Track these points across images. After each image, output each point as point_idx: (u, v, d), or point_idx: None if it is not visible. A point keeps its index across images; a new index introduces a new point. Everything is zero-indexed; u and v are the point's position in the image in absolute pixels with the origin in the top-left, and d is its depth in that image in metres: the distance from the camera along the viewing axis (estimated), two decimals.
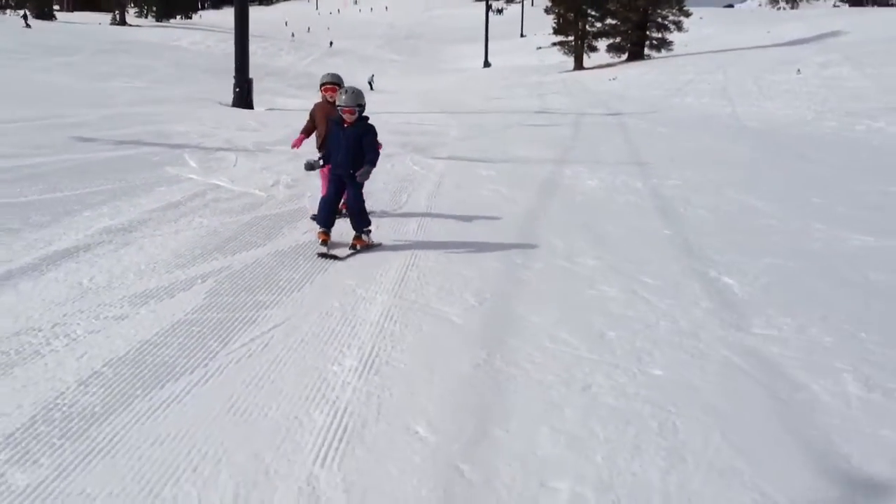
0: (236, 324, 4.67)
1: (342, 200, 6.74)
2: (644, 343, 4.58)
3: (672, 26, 50.30)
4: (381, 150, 6.57)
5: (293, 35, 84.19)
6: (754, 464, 3.28)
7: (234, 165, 10.38)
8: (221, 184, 9.00)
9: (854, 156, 13.68)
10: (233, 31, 23.11)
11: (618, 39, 51.78)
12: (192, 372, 3.98)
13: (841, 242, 7.23)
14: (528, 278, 5.85)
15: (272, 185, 9.03)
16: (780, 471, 3.23)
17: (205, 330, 4.55)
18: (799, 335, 4.75)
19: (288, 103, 26.75)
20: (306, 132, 7.70)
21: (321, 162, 6.52)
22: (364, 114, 6.41)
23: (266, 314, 4.86)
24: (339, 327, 4.70)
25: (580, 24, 52.77)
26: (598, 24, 52.52)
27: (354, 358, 4.24)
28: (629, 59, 50.34)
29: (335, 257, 6.18)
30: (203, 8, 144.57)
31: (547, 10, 59.30)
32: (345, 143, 6.29)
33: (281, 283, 5.51)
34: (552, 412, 3.68)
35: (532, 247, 6.80)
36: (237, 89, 23.12)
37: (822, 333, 4.78)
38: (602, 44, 52.80)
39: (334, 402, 3.72)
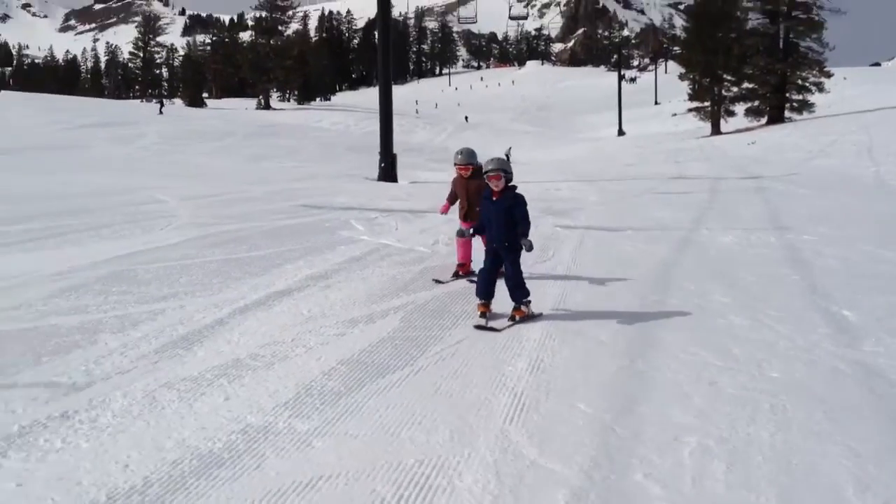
0: (428, 340, 6.08)
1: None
2: (764, 355, 5.66)
3: (813, 88, 50.09)
4: None
5: (417, 111, 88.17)
6: (845, 430, 4.33)
7: (396, 229, 11.98)
8: (390, 243, 10.57)
9: None
10: (369, 111, 25.43)
11: (756, 103, 51.92)
12: (402, 369, 5.38)
13: None
14: (664, 311, 7.00)
15: (433, 244, 10.51)
16: (865, 436, 4.26)
17: (405, 343, 5.98)
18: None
19: (428, 177, 28.75)
20: (451, 200, 8.76)
21: (471, 231, 7.05)
22: (511, 183, 6.66)
23: (449, 333, 6.25)
24: (509, 343, 6.02)
25: (716, 89, 53.31)
26: (735, 89, 52.86)
27: (524, 362, 5.53)
28: (768, 123, 50.37)
29: (493, 329, 6.34)
30: (341, 89, 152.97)
31: (681, 77, 60.14)
32: (495, 216, 6.51)
33: (456, 312, 6.91)
34: (684, 398, 4.83)
35: (667, 289, 7.93)
36: (382, 164, 25.22)
37: None
38: (739, 108, 53.03)
39: (513, 389, 5.00)
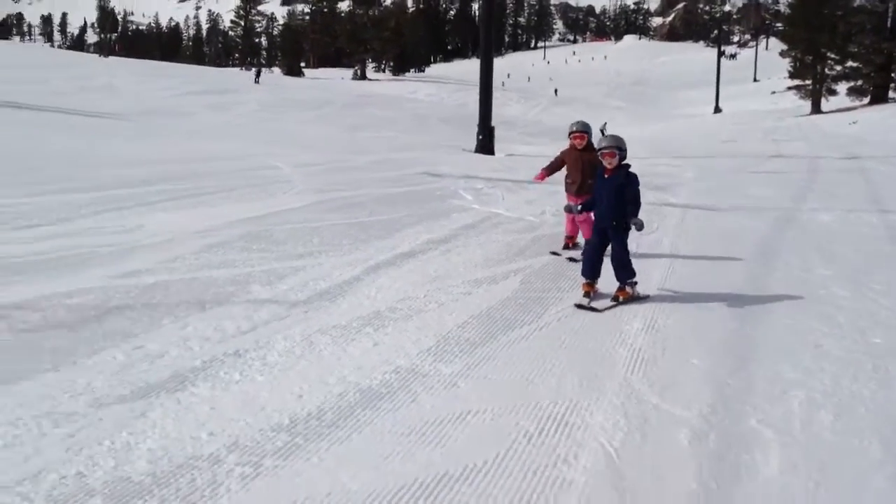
0: (548, 300, 6.60)
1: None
2: (868, 324, 5.98)
3: None
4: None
5: (503, 84, 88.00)
6: None
7: (503, 199, 12.47)
8: (500, 212, 11.08)
9: None
10: (463, 83, 25.82)
11: (859, 82, 50.29)
12: (529, 324, 5.91)
13: None
14: (768, 283, 7.33)
15: (541, 214, 10.96)
16: None
17: (528, 302, 6.50)
18: None
19: (524, 150, 29.07)
20: (549, 169, 8.69)
21: (580, 208, 7.07)
22: (625, 161, 6.48)
23: (567, 295, 6.74)
24: (624, 306, 6.46)
25: (819, 67, 51.84)
26: (839, 67, 51.29)
27: (640, 323, 5.99)
28: (871, 103, 48.74)
29: (594, 309, 6.30)
30: (435, 61, 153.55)
31: (782, 54, 58.61)
32: (606, 194, 6.41)
33: (573, 277, 7.36)
34: (791, 357, 5.23)
35: (771, 263, 8.23)
36: (480, 136, 25.67)
37: None
38: (842, 87, 51.45)
39: (631, 345, 5.48)
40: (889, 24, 49.40)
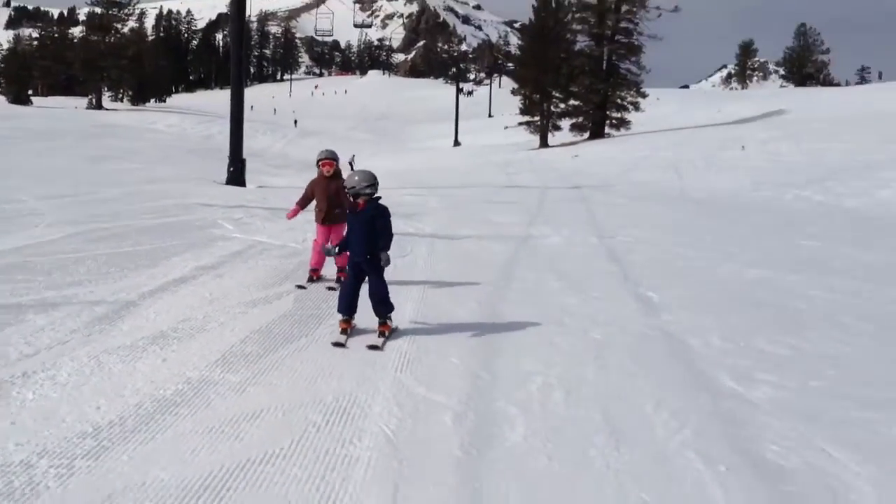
0: (321, 315, 7.23)
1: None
2: (589, 324, 7.17)
3: (630, 107, 54.16)
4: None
5: (250, 111, 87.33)
6: (648, 372, 5.83)
7: (264, 228, 12.90)
8: (263, 240, 11.52)
9: (777, 219, 16.56)
10: (207, 114, 25.70)
11: (580, 119, 55.48)
12: (306, 336, 6.51)
13: (741, 275, 9.92)
14: (509, 296, 8.43)
15: (303, 241, 11.52)
16: (662, 375, 5.77)
17: (303, 319, 7.10)
18: (692, 320, 7.36)
19: (274, 181, 29.43)
20: (302, 203, 8.79)
21: (337, 249, 6.78)
22: (376, 195, 6.51)
23: (334, 312, 7.37)
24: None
25: (545, 104, 56.52)
26: (563, 105, 56.25)
27: (404, 333, 6.76)
28: (591, 138, 53.96)
29: (374, 347, 6.26)
30: (177, 91, 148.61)
31: (513, 92, 63.17)
32: (358, 229, 6.39)
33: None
34: (532, 352, 6.22)
35: (510, 279, 9.39)
36: (231, 168, 25.62)
37: (710, 322, 7.40)
38: (565, 123, 56.46)
39: (398, 349, 6.23)
40: (604, 67, 55.10)
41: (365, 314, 6.69)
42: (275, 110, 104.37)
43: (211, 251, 10.28)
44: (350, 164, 48.10)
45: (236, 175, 25.33)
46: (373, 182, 6.45)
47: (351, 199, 6.52)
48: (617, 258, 11.05)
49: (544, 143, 55.89)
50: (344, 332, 6.50)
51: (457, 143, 70.32)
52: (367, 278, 6.55)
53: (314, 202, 8.86)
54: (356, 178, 6.41)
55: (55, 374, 5.41)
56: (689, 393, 5.44)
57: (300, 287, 8.39)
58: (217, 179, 25.78)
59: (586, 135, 55.02)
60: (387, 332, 6.50)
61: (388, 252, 6.40)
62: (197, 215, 14.13)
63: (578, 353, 6.28)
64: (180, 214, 14.14)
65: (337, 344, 6.26)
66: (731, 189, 23.97)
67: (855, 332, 7.18)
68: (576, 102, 55.52)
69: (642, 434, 4.72)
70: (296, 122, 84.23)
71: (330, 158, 8.76)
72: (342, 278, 8.43)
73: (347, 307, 6.54)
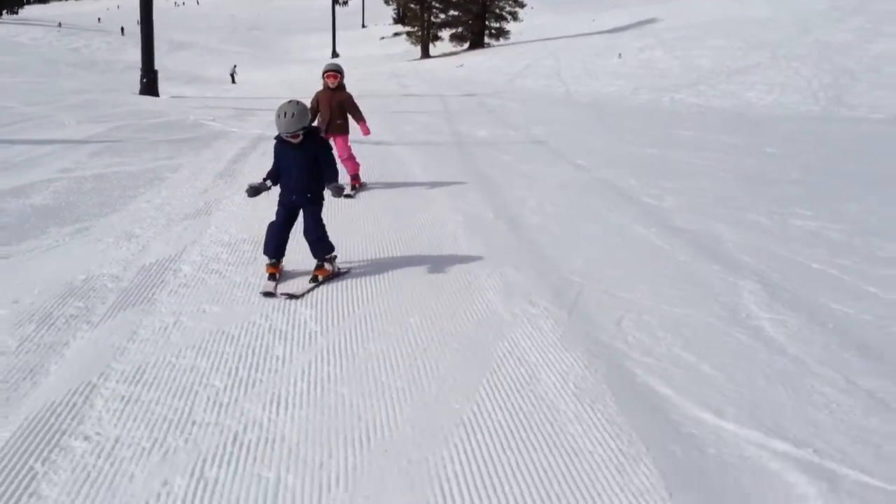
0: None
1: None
2: (548, 178, 10.44)
3: (509, 17, 57.40)
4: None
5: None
6: (595, 197, 9.17)
7: (245, 124, 15.56)
8: (260, 131, 14.23)
9: (658, 117, 20.26)
10: (68, 27, 26.60)
11: (460, 29, 58.32)
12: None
13: (641, 152, 13.44)
14: (481, 168, 11.60)
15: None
16: (594, 192, 9.13)
17: None
18: (615, 174, 10.77)
19: (181, 91, 31.23)
20: (312, 113, 8.67)
21: (268, 183, 6.02)
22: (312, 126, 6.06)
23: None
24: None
25: (425, 15, 58.97)
26: (442, 16, 58.85)
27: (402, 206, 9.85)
28: (471, 48, 57.07)
29: (291, 296, 5.72)
30: (30, 2, 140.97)
31: (387, 1, 65.12)
32: (297, 164, 5.85)
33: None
34: (522, 189, 9.45)
35: (469, 158, 12.55)
36: (144, 80, 27.34)
37: (627, 174, 10.82)
38: (446, 33, 59.16)
39: (446, 195, 9.33)
40: None
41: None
42: (99, 19, 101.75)
43: (227, 141, 13.01)
44: (232, 75, 49.48)
45: (150, 85, 27.12)
46: (305, 124, 5.74)
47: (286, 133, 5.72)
48: (542, 142, 14.39)
49: (426, 54, 58.57)
50: (273, 276, 5.99)
51: (335, 54, 71.79)
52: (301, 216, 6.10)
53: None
54: (284, 119, 5.63)
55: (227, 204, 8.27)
56: (625, 204, 8.86)
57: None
58: (132, 90, 27.44)
59: (466, 45, 57.99)
60: (321, 276, 6.03)
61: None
62: (174, 117, 16.58)
63: (549, 189, 9.64)
64: (163, 116, 16.55)
65: (267, 293, 5.71)
66: (612, 93, 27.62)
67: (722, 179, 10.79)
68: (455, 13, 58.21)
69: (605, 219, 8.10)
70: (122, 28, 79.66)
71: (335, 71, 9.29)
72: (356, 185, 9.58)
73: (276, 248, 6.05)
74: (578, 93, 28.46)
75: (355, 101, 9.53)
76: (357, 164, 9.61)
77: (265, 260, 6.12)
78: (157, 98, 26.26)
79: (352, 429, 3.78)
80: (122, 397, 4.07)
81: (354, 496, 3.27)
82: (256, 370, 4.44)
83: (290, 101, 5.71)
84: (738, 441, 3.72)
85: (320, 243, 6.05)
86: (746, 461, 3.56)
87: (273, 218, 6.11)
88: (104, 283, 5.85)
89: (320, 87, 9.37)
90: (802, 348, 4.82)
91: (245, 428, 3.80)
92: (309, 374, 4.39)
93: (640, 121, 19.24)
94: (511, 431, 3.77)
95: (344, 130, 9.43)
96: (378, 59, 62.02)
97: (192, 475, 3.41)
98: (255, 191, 5.96)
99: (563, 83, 31.80)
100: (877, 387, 4.29)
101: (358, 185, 9.60)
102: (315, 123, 8.88)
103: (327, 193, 5.97)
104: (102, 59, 49.66)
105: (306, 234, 6.07)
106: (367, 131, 9.63)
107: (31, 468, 3.42)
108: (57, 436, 3.69)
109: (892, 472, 3.45)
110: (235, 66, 52.91)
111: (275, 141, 5.98)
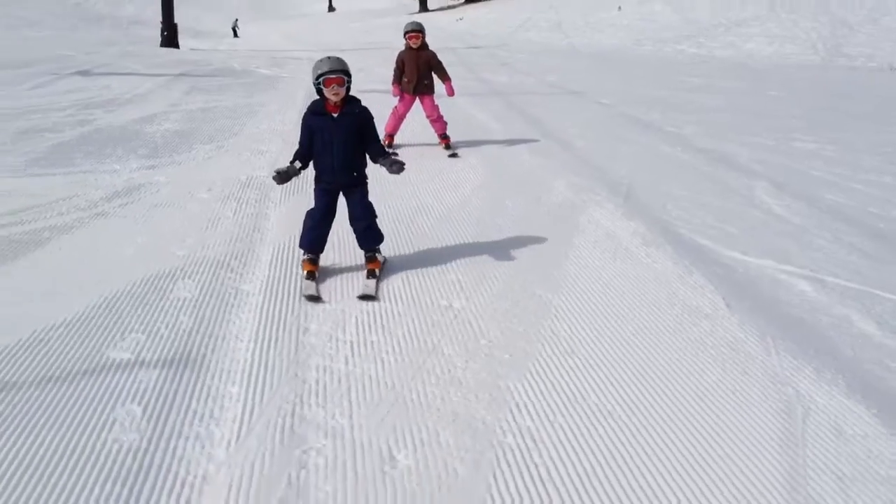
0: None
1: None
2: (572, 106, 12.24)
3: None
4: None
5: None
6: (613, 118, 11.01)
7: (286, 70, 17.28)
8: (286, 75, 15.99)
9: (663, 67, 21.99)
10: None
11: None
12: None
13: (652, 93, 15.21)
14: (491, 104, 13.38)
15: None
16: (610, 118, 10.97)
17: None
18: (631, 109, 12.58)
19: (197, 44, 32.78)
20: (397, 79, 9.33)
21: (297, 165, 5.17)
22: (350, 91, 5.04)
23: None
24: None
25: None
26: None
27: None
28: (469, 1, 58.31)
29: (367, 297, 5.03)
30: None
31: None
32: (339, 138, 5.03)
33: None
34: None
35: (512, 95, 14.32)
36: (165, 33, 28.95)
37: (644, 109, 12.63)
38: None
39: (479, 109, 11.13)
40: None
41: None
42: None
43: (287, 84, 14.76)
44: (234, 28, 50.81)
45: (171, 38, 28.72)
46: (347, 70, 4.97)
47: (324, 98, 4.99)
48: (561, 86, 16.18)
49: (424, 7, 59.88)
50: (311, 275, 5.25)
51: (331, 8, 72.91)
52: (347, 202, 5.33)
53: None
54: (326, 65, 4.92)
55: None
56: (651, 132, 10.71)
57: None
58: (151, 43, 28.99)
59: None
60: (378, 269, 5.34)
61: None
62: (219, 65, 18.29)
63: (584, 121, 11.52)
64: (210, 65, 18.27)
65: (311, 298, 4.95)
66: (614, 45, 29.32)
67: (732, 114, 12.65)
68: None
69: (637, 142, 9.88)
70: None
71: (416, 31, 9.18)
72: (447, 144, 9.45)
73: (316, 242, 5.34)
74: (581, 44, 30.12)
75: (440, 58, 9.44)
76: (446, 123, 9.51)
77: (300, 255, 5.50)
78: (180, 50, 27.81)
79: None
80: None
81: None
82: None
83: (332, 56, 5.01)
84: (758, 266, 5.62)
85: (371, 231, 5.33)
86: (764, 275, 5.44)
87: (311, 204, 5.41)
88: (262, 180, 7.71)
89: (397, 46, 9.86)
90: (803, 220, 6.73)
91: None
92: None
93: (648, 69, 20.99)
94: (601, 264, 5.64)
95: (431, 90, 9.36)
96: (376, 12, 63.20)
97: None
98: (284, 176, 5.07)
99: (565, 35, 33.43)
100: (856, 241, 6.19)
101: (447, 144, 9.46)
102: (400, 85, 9.25)
103: (377, 171, 5.30)
104: (107, 13, 50.84)
105: (354, 220, 5.32)
106: (452, 91, 9.53)
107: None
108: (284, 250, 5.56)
109: (860, 279, 5.34)
110: (237, 20, 54.16)
111: (305, 115, 5.14)
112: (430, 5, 60.67)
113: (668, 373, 4.02)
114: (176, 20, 28.77)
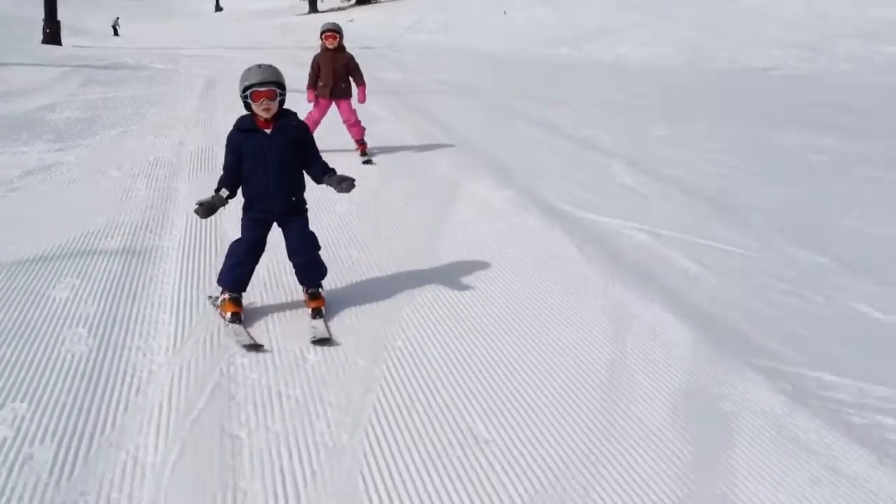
0: None
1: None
2: (440, 105, 13.24)
3: None
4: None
5: None
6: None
7: (180, 65, 17.74)
8: (202, 72, 16.48)
9: (544, 69, 23.28)
10: None
11: None
12: None
13: (535, 94, 16.36)
14: (381, 99, 14.29)
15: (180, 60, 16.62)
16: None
17: None
18: (511, 102, 13.67)
19: (80, 42, 32.48)
20: (312, 83, 8.77)
21: (224, 194, 4.48)
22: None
23: None
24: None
25: None
26: None
27: None
28: (359, 3, 59.05)
29: (322, 341, 4.33)
30: None
31: None
32: (274, 158, 4.39)
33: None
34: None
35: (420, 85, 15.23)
36: (47, 30, 28.64)
37: (523, 104, 13.73)
38: None
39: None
40: None
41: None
42: None
43: (183, 77, 15.26)
44: (114, 27, 49.99)
45: (53, 35, 28.45)
46: (281, 80, 4.37)
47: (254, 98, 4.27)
48: (448, 83, 17.23)
49: (314, 9, 60.26)
50: (237, 318, 4.50)
51: (218, 8, 72.39)
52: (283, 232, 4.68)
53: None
54: (255, 76, 4.27)
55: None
56: (526, 121, 11.74)
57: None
58: (32, 40, 28.64)
59: (353, 1, 59.94)
60: (323, 307, 4.66)
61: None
62: (113, 60, 18.58)
63: (464, 111, 12.54)
64: (103, 60, 18.54)
65: (252, 347, 4.22)
66: (501, 48, 30.51)
67: (598, 107, 13.87)
68: None
69: (514, 129, 10.90)
70: None
71: (333, 31, 8.78)
72: (364, 151, 8.98)
73: (241, 280, 4.61)
74: (468, 46, 31.23)
75: (357, 62, 9.01)
76: (363, 129, 9.07)
77: (220, 295, 4.66)
78: (64, 47, 27.58)
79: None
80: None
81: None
82: None
83: (265, 65, 4.38)
84: (607, 223, 6.71)
85: (314, 266, 4.71)
86: (611, 230, 6.53)
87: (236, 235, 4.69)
88: (170, 160, 8.45)
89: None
90: (649, 190, 7.89)
91: None
92: None
93: (531, 69, 22.26)
94: (477, 223, 6.62)
95: (348, 94, 8.88)
96: (264, 13, 63.26)
97: None
98: (208, 208, 4.39)
99: (453, 37, 34.56)
100: (688, 204, 7.37)
101: (365, 150, 9.03)
102: (315, 89, 8.76)
103: (326, 192, 4.82)
104: None
105: (295, 255, 4.66)
106: (364, 97, 9.07)
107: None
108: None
109: (686, 231, 6.47)
110: (118, 18, 53.34)
111: (231, 134, 4.47)
112: (323, 6, 61.08)
113: (531, 298, 5.03)
114: (60, 17, 28.58)
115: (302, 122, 4.64)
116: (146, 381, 3.86)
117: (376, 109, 12.34)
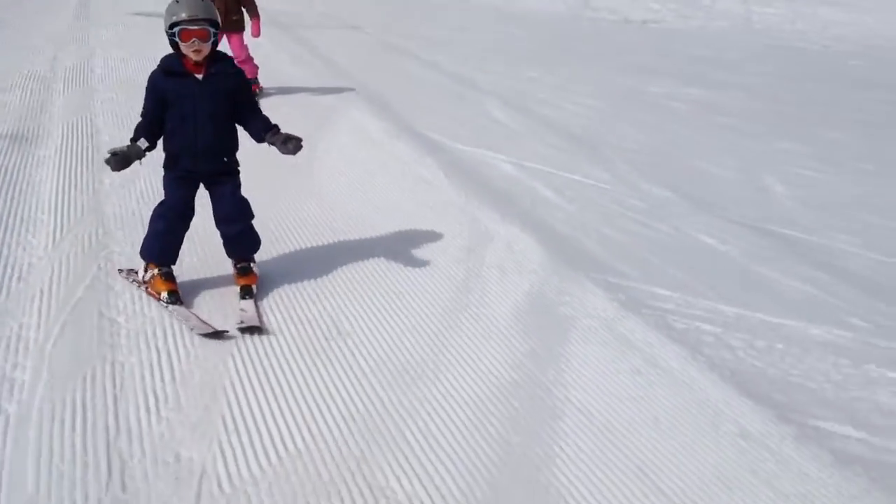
0: None
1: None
2: (323, 42, 13.33)
3: None
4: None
5: None
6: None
7: None
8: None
9: (425, 8, 23.39)
10: None
11: None
12: None
13: (401, 26, 16.52)
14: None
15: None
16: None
17: None
18: (378, 34, 13.86)
19: None
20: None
21: (143, 145, 3.79)
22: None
23: None
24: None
25: None
26: None
27: None
28: None
29: (252, 329, 3.70)
30: None
31: None
32: (204, 110, 3.80)
33: None
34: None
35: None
36: None
37: (391, 34, 13.94)
38: None
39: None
40: None
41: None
42: None
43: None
44: None
45: None
46: (215, 17, 3.77)
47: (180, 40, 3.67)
48: (334, 17, 17.17)
49: None
50: (175, 297, 3.87)
51: None
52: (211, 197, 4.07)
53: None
54: (183, 9, 3.65)
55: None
56: (408, 58, 11.96)
57: None
58: None
59: None
60: (254, 285, 4.08)
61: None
62: None
63: (350, 47, 12.52)
64: None
65: (214, 335, 3.60)
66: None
67: (477, 51, 14.16)
68: None
69: (397, 66, 11.12)
70: None
71: None
72: (257, 91, 8.15)
73: (170, 251, 4.00)
74: None
75: None
76: (256, 67, 8.54)
77: (147, 271, 3.97)
78: None
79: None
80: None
81: None
82: None
83: None
84: (476, 153, 7.14)
85: (246, 236, 4.13)
86: (480, 161, 6.96)
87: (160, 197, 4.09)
88: (45, 73, 8.42)
89: None
90: (518, 126, 8.37)
91: None
92: None
93: (415, 8, 22.31)
94: (353, 150, 6.89)
95: (240, 27, 8.22)
96: None
97: None
98: (122, 160, 3.70)
99: None
100: (554, 141, 7.86)
101: (259, 89, 8.35)
102: None
103: (266, 151, 4.15)
104: None
105: (224, 222, 4.06)
106: (258, 31, 8.56)
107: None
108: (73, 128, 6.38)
109: (549, 164, 6.94)
110: None
111: (153, 74, 3.84)
112: None
113: (401, 219, 5.36)
114: None
115: (239, 70, 4.08)
116: (27, 271, 4.06)
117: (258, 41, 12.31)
